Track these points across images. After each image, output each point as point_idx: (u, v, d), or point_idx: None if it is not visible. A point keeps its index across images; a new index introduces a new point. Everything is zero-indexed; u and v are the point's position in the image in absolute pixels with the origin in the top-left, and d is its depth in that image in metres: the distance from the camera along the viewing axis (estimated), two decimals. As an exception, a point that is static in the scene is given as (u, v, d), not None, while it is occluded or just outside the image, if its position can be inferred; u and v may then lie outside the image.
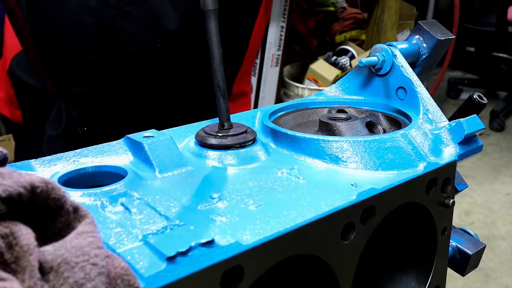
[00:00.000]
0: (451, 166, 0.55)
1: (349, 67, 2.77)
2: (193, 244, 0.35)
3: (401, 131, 0.55)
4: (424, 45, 0.68)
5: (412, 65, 0.69)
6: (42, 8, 0.97)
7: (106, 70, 0.98)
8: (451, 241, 0.61)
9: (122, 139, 0.55)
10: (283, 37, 2.53)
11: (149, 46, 0.96)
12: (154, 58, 0.97)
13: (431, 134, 0.59)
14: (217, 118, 0.56)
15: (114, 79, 0.99)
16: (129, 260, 0.34)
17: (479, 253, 0.62)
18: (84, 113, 1.01)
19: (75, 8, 0.93)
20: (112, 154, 0.54)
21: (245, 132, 0.56)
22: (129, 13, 0.94)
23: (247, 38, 1.00)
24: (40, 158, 0.51)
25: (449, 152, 0.58)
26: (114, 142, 0.55)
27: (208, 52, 0.53)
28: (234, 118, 0.64)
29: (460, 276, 0.63)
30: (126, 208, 0.42)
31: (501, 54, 4.06)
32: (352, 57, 2.88)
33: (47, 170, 0.50)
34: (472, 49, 4.43)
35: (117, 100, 1.01)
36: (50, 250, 0.30)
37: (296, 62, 2.99)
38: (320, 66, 2.78)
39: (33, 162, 0.51)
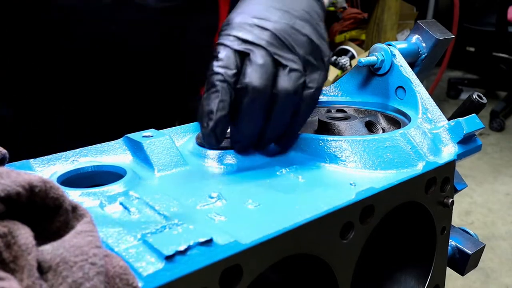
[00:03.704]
0: (450, 166, 0.56)
1: (349, 67, 2.78)
2: (191, 243, 0.35)
3: (400, 131, 0.55)
4: (423, 44, 0.68)
5: (411, 64, 0.69)
6: None
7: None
8: (450, 240, 0.61)
9: (121, 138, 0.56)
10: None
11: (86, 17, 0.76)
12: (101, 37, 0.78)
13: (430, 133, 0.59)
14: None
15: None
16: (127, 259, 0.34)
17: (479, 253, 0.62)
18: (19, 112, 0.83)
19: None
20: (111, 154, 0.54)
21: None
22: None
23: (215, 26, 0.95)
24: (39, 157, 0.51)
25: (448, 151, 0.58)
26: (113, 142, 0.55)
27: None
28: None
29: (460, 276, 0.63)
30: (125, 208, 0.42)
31: (501, 54, 4.06)
32: (352, 57, 2.88)
33: (46, 169, 0.50)
34: (472, 49, 4.43)
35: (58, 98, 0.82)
36: (49, 250, 0.30)
37: (296, 62, 2.98)
38: (320, 66, 2.77)
39: (32, 161, 0.51)
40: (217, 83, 0.49)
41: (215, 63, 0.50)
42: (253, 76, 0.49)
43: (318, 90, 0.53)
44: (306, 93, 0.52)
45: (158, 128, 0.58)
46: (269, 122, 0.52)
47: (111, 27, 0.77)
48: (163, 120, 0.78)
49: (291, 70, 0.50)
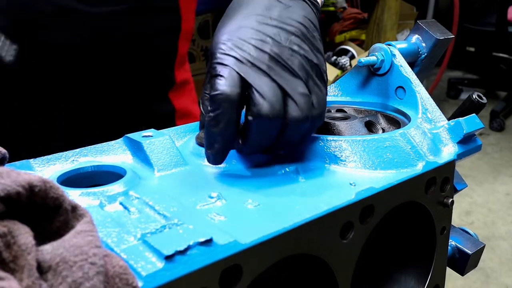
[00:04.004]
0: (450, 165, 0.56)
1: (349, 67, 2.78)
2: (191, 243, 0.35)
3: (400, 131, 0.55)
4: (423, 44, 0.68)
5: (411, 64, 0.69)
6: None
7: None
8: (450, 240, 0.61)
9: (121, 138, 0.56)
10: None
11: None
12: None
13: (430, 133, 0.59)
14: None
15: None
16: (127, 259, 0.34)
17: (479, 253, 0.62)
18: None
19: None
20: (111, 154, 0.54)
21: None
22: None
23: (177, 22, 0.93)
24: (39, 157, 0.52)
25: (448, 151, 0.58)
26: (113, 142, 0.55)
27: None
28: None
29: (460, 276, 0.63)
30: (125, 207, 0.42)
31: (501, 54, 4.06)
32: (352, 57, 2.88)
33: (46, 169, 0.50)
34: (472, 49, 4.43)
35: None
36: (49, 249, 0.30)
37: (296, 62, 2.98)
38: (320, 66, 2.78)
39: (32, 161, 0.51)
40: (224, 104, 0.47)
41: (219, 81, 0.48)
42: (264, 106, 0.48)
43: (324, 109, 0.53)
44: (314, 114, 0.51)
45: (124, 132, 0.57)
46: (277, 144, 0.52)
47: (60, 36, 0.76)
48: (129, 124, 0.77)
49: (299, 97, 0.50)
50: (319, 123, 0.53)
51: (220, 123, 0.48)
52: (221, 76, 0.48)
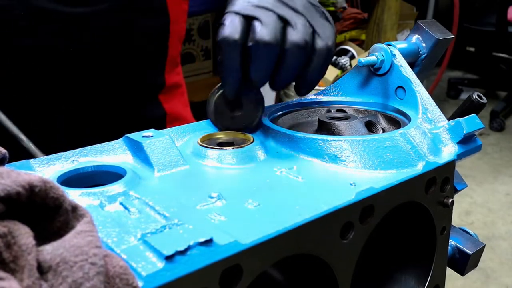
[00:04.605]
0: (450, 165, 0.56)
1: (349, 67, 2.78)
2: (191, 243, 0.35)
3: (400, 131, 0.55)
4: (423, 44, 0.68)
5: (411, 64, 0.69)
6: None
7: None
8: (450, 240, 0.61)
9: (121, 138, 0.56)
10: (283, 37, 2.52)
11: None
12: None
13: (430, 133, 0.59)
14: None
15: None
16: (127, 259, 0.34)
17: (479, 253, 0.62)
18: None
19: None
20: (111, 154, 0.54)
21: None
22: None
23: (165, 23, 0.88)
24: (39, 157, 0.51)
25: (448, 151, 0.58)
26: (113, 142, 0.55)
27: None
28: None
29: (460, 276, 0.63)
30: (125, 208, 0.42)
31: (501, 54, 4.06)
32: (352, 57, 2.88)
33: (46, 169, 0.50)
34: (472, 49, 4.43)
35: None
36: (49, 250, 0.30)
37: (296, 62, 2.98)
38: (320, 66, 2.78)
39: (32, 161, 0.51)
40: (227, 48, 0.52)
41: (221, 31, 0.53)
42: (263, 32, 0.52)
43: (332, 42, 0.57)
44: (319, 44, 0.55)
45: (114, 135, 0.58)
46: (278, 72, 0.56)
47: (40, 38, 0.75)
48: (119, 128, 0.76)
49: (299, 26, 0.54)
50: (325, 56, 0.57)
51: (226, 62, 0.54)
52: (223, 24, 0.53)
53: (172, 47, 0.92)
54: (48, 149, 0.56)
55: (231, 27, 0.53)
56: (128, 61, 0.85)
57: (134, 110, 0.89)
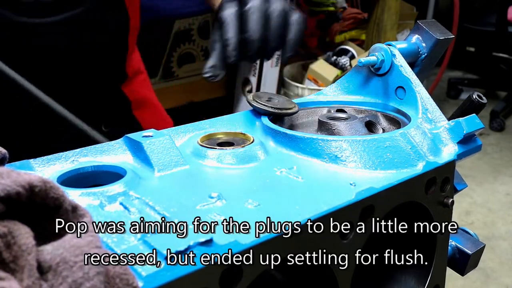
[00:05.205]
0: (450, 166, 0.56)
1: (349, 67, 2.78)
2: (191, 243, 0.35)
3: (400, 131, 0.55)
4: (423, 44, 0.68)
5: (411, 64, 0.69)
6: None
7: None
8: (450, 240, 0.61)
9: (122, 138, 0.56)
10: (283, 37, 2.52)
11: None
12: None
13: (430, 133, 0.59)
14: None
15: None
16: (127, 259, 0.34)
17: (479, 253, 0.62)
18: None
19: None
20: (111, 154, 0.54)
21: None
22: None
23: (125, 20, 0.96)
24: (39, 157, 0.51)
25: (448, 151, 0.58)
26: (113, 142, 0.55)
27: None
28: (233, 117, 0.64)
29: (460, 276, 0.63)
30: (125, 207, 0.42)
31: (501, 54, 4.06)
32: (352, 57, 2.88)
33: (46, 169, 0.50)
34: (472, 49, 4.42)
35: None
36: (49, 250, 0.30)
37: (296, 62, 2.99)
38: (320, 66, 2.78)
39: (32, 161, 0.51)
40: (222, 25, 0.73)
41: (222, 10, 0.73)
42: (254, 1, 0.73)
43: (300, 18, 0.77)
44: (292, 18, 0.76)
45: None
46: (269, 32, 0.74)
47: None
48: (87, 121, 0.80)
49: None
50: (298, 28, 0.77)
51: (226, 28, 0.73)
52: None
53: (131, 40, 1.00)
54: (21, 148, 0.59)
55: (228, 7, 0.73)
56: (90, 59, 0.92)
57: (98, 104, 0.96)
